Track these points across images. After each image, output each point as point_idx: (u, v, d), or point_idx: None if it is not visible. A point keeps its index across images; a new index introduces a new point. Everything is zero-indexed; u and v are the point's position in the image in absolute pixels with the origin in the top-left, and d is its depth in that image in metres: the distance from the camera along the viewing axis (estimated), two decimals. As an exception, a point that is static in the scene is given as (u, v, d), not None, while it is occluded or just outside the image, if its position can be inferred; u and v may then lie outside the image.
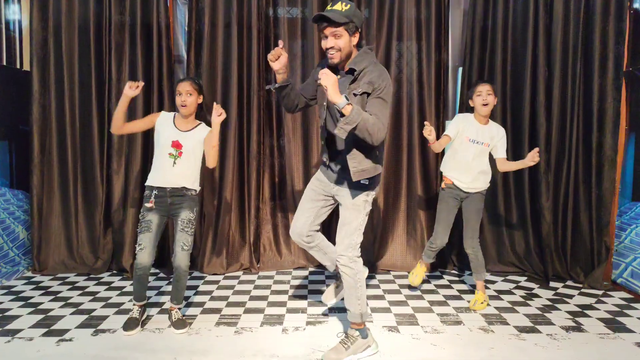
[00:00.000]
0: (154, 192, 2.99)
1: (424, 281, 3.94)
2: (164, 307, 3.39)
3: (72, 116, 4.24)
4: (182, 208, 3.01)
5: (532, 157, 3.21)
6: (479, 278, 3.45)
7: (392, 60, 4.30)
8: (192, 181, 3.04)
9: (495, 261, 4.29)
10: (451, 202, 3.43)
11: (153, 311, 3.31)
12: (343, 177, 2.61)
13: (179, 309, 3.10)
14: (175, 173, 2.99)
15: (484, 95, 3.27)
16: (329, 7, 2.42)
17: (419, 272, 3.63)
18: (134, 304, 3.04)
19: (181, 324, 3.00)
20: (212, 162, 3.04)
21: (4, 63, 4.07)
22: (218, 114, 2.97)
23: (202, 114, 3.21)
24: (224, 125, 4.23)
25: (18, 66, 4.23)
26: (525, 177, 4.14)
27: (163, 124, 3.06)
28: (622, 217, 3.87)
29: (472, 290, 3.79)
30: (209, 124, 3.08)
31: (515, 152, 4.16)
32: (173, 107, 4.22)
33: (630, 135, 3.81)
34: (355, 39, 2.48)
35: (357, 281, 2.60)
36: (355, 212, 2.61)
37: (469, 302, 3.50)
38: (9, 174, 4.13)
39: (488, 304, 3.44)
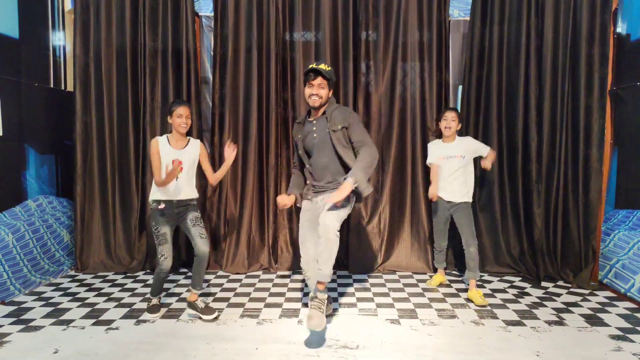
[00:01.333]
0: (162, 205, 3.43)
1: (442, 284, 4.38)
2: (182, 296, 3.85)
3: (110, 132, 4.75)
4: (187, 212, 3.53)
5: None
6: (475, 277, 3.89)
7: (397, 79, 4.72)
8: (193, 191, 3.58)
9: (492, 263, 4.67)
10: (441, 212, 4.10)
11: (185, 305, 3.77)
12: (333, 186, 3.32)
13: (199, 297, 3.58)
14: (179, 186, 3.45)
15: (449, 121, 3.99)
16: (315, 65, 3.21)
17: (437, 278, 4.31)
18: (151, 298, 3.63)
19: (209, 310, 3.49)
20: (214, 181, 3.65)
21: (51, 85, 4.59)
22: (232, 150, 3.59)
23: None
24: (246, 139, 4.71)
25: (62, 87, 4.76)
26: (519, 186, 4.53)
27: (162, 148, 3.44)
28: (606, 223, 4.24)
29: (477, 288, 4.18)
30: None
31: (510, 162, 4.56)
32: (200, 122, 4.72)
33: (614, 148, 4.18)
34: (330, 93, 3.33)
35: (332, 247, 3.02)
36: (339, 194, 3.02)
37: (466, 299, 3.90)
38: (55, 183, 4.65)
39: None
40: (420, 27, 4.69)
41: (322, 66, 3.21)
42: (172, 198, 3.44)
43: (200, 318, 3.49)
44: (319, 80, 3.20)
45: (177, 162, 3.37)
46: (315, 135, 3.32)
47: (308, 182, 3.46)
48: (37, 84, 4.37)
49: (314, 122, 3.35)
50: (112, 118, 4.74)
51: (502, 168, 4.61)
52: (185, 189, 3.48)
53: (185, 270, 4.80)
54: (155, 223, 3.46)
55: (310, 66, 3.21)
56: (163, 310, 3.66)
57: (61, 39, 4.75)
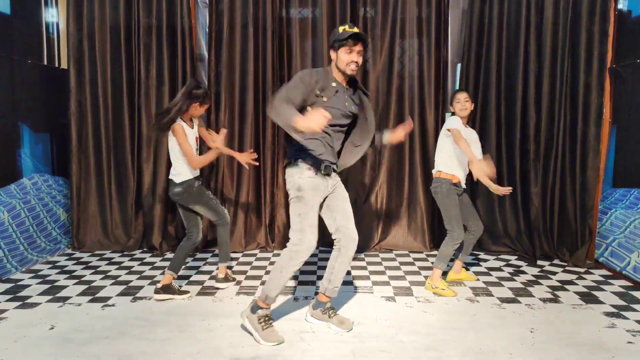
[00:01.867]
0: (199, 182, 3.50)
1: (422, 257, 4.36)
2: (191, 280, 3.86)
3: (105, 110, 4.71)
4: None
5: (496, 190, 3.48)
6: (465, 259, 3.81)
7: (395, 57, 4.67)
8: None
9: (489, 242, 4.68)
10: (456, 197, 3.58)
11: (182, 282, 3.79)
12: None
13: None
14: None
15: (462, 102, 3.55)
16: (353, 29, 2.71)
17: (465, 275, 3.90)
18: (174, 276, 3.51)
19: (226, 279, 3.73)
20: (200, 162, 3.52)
21: (45, 62, 4.54)
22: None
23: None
24: (242, 117, 4.67)
25: (56, 65, 4.70)
26: (516, 165, 4.51)
27: (186, 129, 3.38)
28: (604, 202, 4.23)
29: (466, 268, 4.19)
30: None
31: (507, 142, 4.53)
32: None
33: (613, 127, 4.15)
34: None
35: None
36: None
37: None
38: (50, 162, 4.63)
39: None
40: (419, 3, 4.62)
41: (356, 29, 2.74)
42: (196, 175, 3.48)
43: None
44: (359, 46, 2.76)
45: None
46: (353, 107, 2.87)
47: (323, 155, 2.83)
48: (30, 61, 4.31)
49: (346, 89, 2.86)
50: (106, 96, 4.69)
51: (500, 147, 4.58)
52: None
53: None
54: (206, 196, 3.50)
55: (346, 29, 2.72)
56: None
57: (54, 15, 4.68)
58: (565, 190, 4.38)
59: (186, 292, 3.52)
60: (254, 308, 2.85)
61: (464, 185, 3.68)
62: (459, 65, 4.80)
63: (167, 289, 3.43)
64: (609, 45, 4.13)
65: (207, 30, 4.69)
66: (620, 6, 4.09)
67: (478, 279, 3.80)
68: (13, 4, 4.07)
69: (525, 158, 4.43)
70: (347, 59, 2.76)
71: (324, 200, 2.93)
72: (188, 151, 3.32)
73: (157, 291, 3.42)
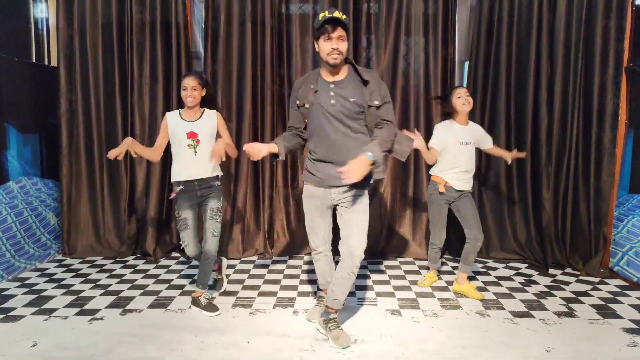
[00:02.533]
0: (180, 187, 3.19)
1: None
2: (185, 290, 3.66)
3: (97, 110, 4.51)
4: (210, 198, 3.23)
5: (514, 155, 3.62)
6: (467, 270, 3.58)
7: (400, 55, 4.46)
8: (217, 169, 3.26)
9: (498, 249, 4.48)
10: (443, 204, 3.56)
11: (175, 293, 3.60)
12: (352, 184, 2.68)
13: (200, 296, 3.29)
14: (199, 162, 3.15)
15: (464, 97, 3.44)
16: (331, 14, 2.55)
17: (429, 277, 3.80)
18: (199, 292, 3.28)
19: (213, 306, 3.23)
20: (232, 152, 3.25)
21: (33, 60, 4.34)
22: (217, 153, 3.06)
23: (208, 105, 3.32)
24: (240, 118, 4.47)
25: (46, 62, 4.50)
26: (527, 168, 4.30)
27: (173, 122, 3.21)
28: (619, 208, 4.03)
29: (474, 276, 4.00)
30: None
31: (517, 144, 4.32)
32: (211, 103, 4.49)
33: (629, 130, 3.94)
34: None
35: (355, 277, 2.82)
36: (365, 214, 2.81)
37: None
38: (39, 164, 4.43)
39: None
40: (426, -1, 4.41)
41: (337, 14, 2.54)
42: (192, 178, 3.17)
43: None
44: (339, 31, 2.55)
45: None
46: (333, 102, 2.67)
47: (314, 163, 2.83)
48: (18, 59, 4.11)
49: (332, 85, 2.70)
50: (98, 95, 4.49)
51: (509, 149, 4.35)
52: (204, 166, 3.17)
53: (178, 255, 4.61)
54: (177, 207, 3.21)
55: (325, 15, 2.54)
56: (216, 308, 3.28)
57: (43, 10, 4.47)
58: (579, 196, 4.17)
59: (215, 308, 3.22)
60: (334, 322, 2.85)
61: (460, 188, 3.50)
62: (466, 64, 4.58)
63: (195, 302, 3.27)
64: (626, 42, 3.91)
65: (203, 26, 4.47)
66: (638, 1, 3.87)
67: (484, 298, 3.52)
68: (-2, -2, 3.87)
69: (536, 161, 4.22)
70: (326, 47, 2.59)
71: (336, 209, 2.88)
72: (157, 141, 3.27)
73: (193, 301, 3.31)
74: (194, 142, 3.17)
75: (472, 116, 4.37)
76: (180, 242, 3.24)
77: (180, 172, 3.19)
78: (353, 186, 2.73)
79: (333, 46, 2.57)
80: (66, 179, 4.51)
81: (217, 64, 4.42)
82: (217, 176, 3.29)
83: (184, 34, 4.41)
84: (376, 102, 2.69)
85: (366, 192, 2.85)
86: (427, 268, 3.99)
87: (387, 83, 4.45)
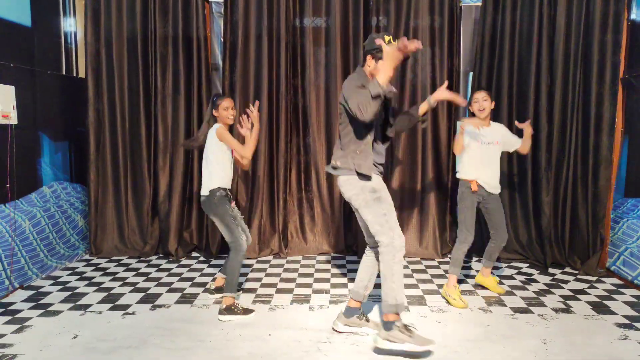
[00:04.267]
0: (225, 193, 3.45)
1: (434, 268, 4.39)
2: (207, 287, 3.93)
3: (122, 119, 4.79)
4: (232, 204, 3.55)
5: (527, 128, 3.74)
6: (490, 265, 3.84)
7: (408, 66, 4.70)
8: None
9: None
10: (474, 202, 3.62)
11: (198, 290, 3.87)
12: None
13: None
14: (232, 174, 3.56)
15: (480, 102, 3.58)
16: (391, 39, 2.80)
17: (454, 292, 3.63)
18: (232, 296, 3.41)
19: (247, 310, 3.40)
20: (247, 156, 3.49)
21: (63, 72, 4.63)
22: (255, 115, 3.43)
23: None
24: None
25: (74, 74, 4.79)
26: (527, 174, 4.54)
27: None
28: (616, 211, 4.26)
29: (496, 277, 4.23)
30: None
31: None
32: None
33: (625, 137, 4.18)
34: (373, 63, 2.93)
35: (390, 271, 2.79)
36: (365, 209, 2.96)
37: (474, 286, 3.95)
38: (69, 170, 4.72)
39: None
40: (432, 12, 4.66)
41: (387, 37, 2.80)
42: (228, 186, 3.50)
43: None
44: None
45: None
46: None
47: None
48: (50, 72, 4.40)
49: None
50: (123, 105, 4.78)
51: (511, 156, 4.61)
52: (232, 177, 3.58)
53: (197, 255, 4.88)
54: (225, 211, 3.39)
55: (390, 39, 2.78)
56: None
57: (72, 25, 4.76)
58: (577, 200, 4.41)
59: (250, 310, 3.40)
60: (388, 325, 2.79)
61: (489, 190, 3.63)
62: (470, 74, 4.83)
63: (230, 310, 3.34)
64: (622, 55, 4.15)
65: (222, 40, 4.76)
66: (633, 16, 4.11)
67: (504, 292, 3.79)
68: (33, 16, 4.16)
69: (536, 167, 4.47)
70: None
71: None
72: (237, 145, 3.41)
73: (221, 312, 3.33)
74: (232, 157, 3.54)
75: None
76: (238, 239, 3.37)
77: (225, 180, 3.46)
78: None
79: None
80: (93, 183, 4.79)
81: (235, 75, 4.69)
82: None
83: (204, 47, 4.68)
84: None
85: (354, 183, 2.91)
86: (434, 267, 4.22)
87: (394, 93, 4.70)
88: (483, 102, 3.59)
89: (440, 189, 4.80)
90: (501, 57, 4.56)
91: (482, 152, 3.61)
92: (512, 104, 4.57)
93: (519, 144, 3.76)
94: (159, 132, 4.71)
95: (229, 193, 3.50)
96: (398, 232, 2.83)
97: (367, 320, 3.14)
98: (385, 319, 2.84)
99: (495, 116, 4.61)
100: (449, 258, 3.77)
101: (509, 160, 4.63)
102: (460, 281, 4.05)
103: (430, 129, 4.72)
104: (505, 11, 4.50)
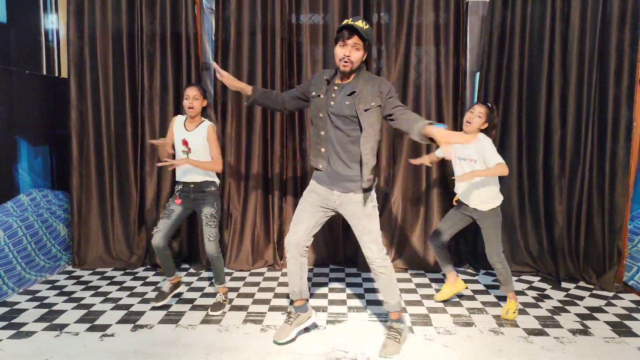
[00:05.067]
0: (179, 187, 3.46)
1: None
2: (195, 304, 3.65)
3: (107, 121, 4.50)
4: (204, 204, 3.43)
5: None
6: (509, 290, 3.46)
7: (411, 65, 4.42)
8: (207, 174, 3.42)
9: (509, 261, 4.42)
10: (456, 212, 3.58)
11: (185, 307, 3.59)
12: (349, 186, 2.84)
13: (225, 293, 3.63)
14: (190, 168, 3.38)
15: (474, 115, 3.31)
16: (351, 22, 2.63)
17: (448, 289, 3.71)
18: (164, 279, 3.53)
19: (217, 306, 3.51)
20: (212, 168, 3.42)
21: (44, 72, 4.34)
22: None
23: (207, 115, 3.57)
24: (250, 129, 4.45)
25: (56, 74, 4.50)
26: (539, 181, 4.26)
27: (177, 126, 3.46)
28: (634, 222, 3.97)
29: (486, 290, 3.97)
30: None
31: (529, 156, 4.28)
32: (202, 113, 4.47)
33: (644, 142, 3.89)
34: (364, 56, 2.75)
35: (390, 276, 2.92)
36: (372, 219, 2.88)
37: (483, 303, 3.68)
38: (49, 175, 4.43)
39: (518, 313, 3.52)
40: (436, 9, 4.37)
41: (360, 22, 2.61)
42: (187, 180, 3.42)
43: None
44: (355, 39, 2.61)
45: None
46: (332, 103, 2.77)
47: (320, 159, 2.91)
48: (29, 71, 4.11)
49: (336, 88, 2.79)
50: (108, 106, 4.49)
51: (521, 162, 4.34)
52: (196, 171, 3.39)
53: (187, 266, 4.60)
54: (171, 199, 3.49)
55: (345, 22, 2.64)
56: (166, 300, 3.56)
57: (54, 22, 4.47)
58: (592, 209, 4.12)
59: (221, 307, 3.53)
60: (393, 331, 2.94)
61: (475, 207, 3.43)
62: (477, 75, 4.54)
63: (216, 307, 3.50)
64: (640, 54, 3.87)
65: (213, 37, 4.47)
66: (653, 13, 3.83)
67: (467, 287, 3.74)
68: (10, 11, 3.87)
69: (549, 174, 4.18)
70: (339, 53, 2.67)
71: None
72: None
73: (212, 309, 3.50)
74: (186, 149, 3.39)
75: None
76: (154, 228, 3.44)
77: (178, 174, 3.47)
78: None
79: (345, 52, 2.64)
80: (76, 190, 4.51)
81: (227, 75, 4.41)
82: (214, 182, 3.47)
83: (194, 45, 4.39)
84: (372, 104, 2.70)
85: (371, 198, 2.92)
86: (438, 281, 3.96)
87: (398, 93, 4.42)
88: (476, 117, 3.31)
89: (444, 200, 4.48)
90: (510, 56, 4.28)
91: (456, 167, 3.47)
92: (522, 107, 4.29)
93: (494, 163, 3.22)
94: (146, 134, 4.41)
95: (180, 188, 3.46)
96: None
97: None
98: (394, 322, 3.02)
99: (504, 120, 4.36)
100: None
101: (519, 166, 4.35)
102: (469, 297, 3.77)
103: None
104: (515, 7, 4.21)
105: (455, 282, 3.69)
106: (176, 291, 3.66)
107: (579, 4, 4.03)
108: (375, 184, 2.95)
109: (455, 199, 3.55)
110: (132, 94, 4.49)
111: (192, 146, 3.37)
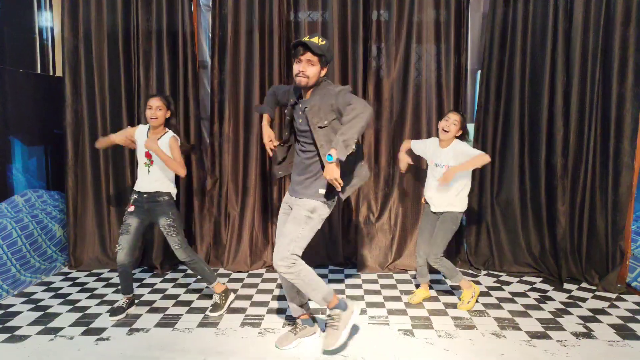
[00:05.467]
0: (134, 196, 3.41)
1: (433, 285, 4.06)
2: (192, 306, 3.60)
3: (103, 120, 4.44)
4: (158, 215, 3.38)
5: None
6: (457, 280, 3.55)
7: (411, 63, 4.36)
8: (165, 185, 3.38)
9: (511, 262, 4.38)
10: (430, 216, 3.59)
11: (182, 310, 3.53)
12: (303, 192, 2.84)
13: (222, 291, 3.56)
14: (150, 179, 3.36)
15: (449, 123, 3.39)
16: (307, 39, 2.65)
17: (421, 293, 3.72)
18: (122, 296, 3.47)
19: (216, 307, 3.48)
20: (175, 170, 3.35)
21: (38, 70, 4.27)
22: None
23: (171, 125, 3.44)
24: (247, 128, 4.39)
25: (51, 72, 4.43)
26: (541, 180, 4.20)
27: (139, 136, 3.40)
28: (637, 222, 3.91)
29: (488, 292, 3.91)
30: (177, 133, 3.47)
31: (531, 155, 4.22)
32: (198, 110, 4.42)
33: (648, 141, 3.83)
34: (323, 72, 2.74)
35: (303, 279, 2.73)
36: (297, 225, 2.78)
37: (484, 305, 3.63)
38: (45, 176, 4.37)
39: (477, 301, 3.66)
40: (437, 6, 4.30)
41: (315, 39, 2.65)
42: (141, 190, 3.39)
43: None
44: (308, 55, 2.63)
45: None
46: (300, 120, 2.80)
47: (292, 168, 3.00)
48: (22, 70, 4.04)
49: (300, 105, 2.80)
50: (104, 105, 4.42)
51: (523, 161, 4.27)
52: (154, 182, 3.37)
53: (184, 267, 4.54)
54: (126, 212, 3.42)
55: (298, 39, 2.67)
56: (123, 315, 3.41)
57: (48, 20, 4.40)
58: (595, 209, 4.06)
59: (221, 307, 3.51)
60: (340, 306, 2.88)
61: (434, 209, 3.53)
62: (479, 73, 4.48)
63: (215, 307, 3.49)
64: (645, 52, 3.80)
65: (210, 35, 4.40)
66: (658, 10, 3.76)
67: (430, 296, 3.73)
68: (2, 8, 3.80)
69: (551, 173, 4.12)
70: (294, 69, 2.71)
71: None
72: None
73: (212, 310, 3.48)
74: (149, 161, 3.36)
75: (484, 126, 4.29)
76: (117, 246, 3.41)
77: (137, 183, 3.43)
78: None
79: (300, 68, 2.68)
80: (72, 190, 4.44)
81: (224, 73, 4.35)
82: (168, 193, 3.40)
83: (191, 43, 4.33)
84: (325, 122, 2.69)
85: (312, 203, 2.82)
86: (439, 282, 3.92)
87: (398, 92, 4.37)
88: (452, 125, 3.40)
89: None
90: (512, 54, 4.21)
91: (431, 172, 3.57)
92: (524, 105, 4.23)
93: (470, 157, 3.34)
94: (142, 135, 4.35)
95: (135, 197, 3.42)
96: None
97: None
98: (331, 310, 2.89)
99: (506, 119, 4.30)
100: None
101: (521, 165, 4.29)
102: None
103: (435, 129, 4.36)
104: (517, 4, 4.15)
105: (426, 289, 3.76)
106: (133, 306, 3.55)
107: (583, 0, 3.95)
108: (334, 202, 2.90)
109: (422, 199, 3.68)
110: (128, 93, 4.42)
111: (155, 157, 3.33)
